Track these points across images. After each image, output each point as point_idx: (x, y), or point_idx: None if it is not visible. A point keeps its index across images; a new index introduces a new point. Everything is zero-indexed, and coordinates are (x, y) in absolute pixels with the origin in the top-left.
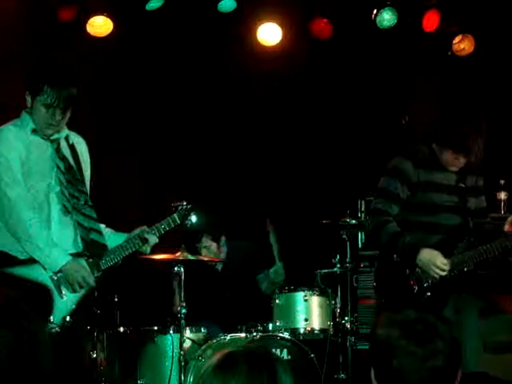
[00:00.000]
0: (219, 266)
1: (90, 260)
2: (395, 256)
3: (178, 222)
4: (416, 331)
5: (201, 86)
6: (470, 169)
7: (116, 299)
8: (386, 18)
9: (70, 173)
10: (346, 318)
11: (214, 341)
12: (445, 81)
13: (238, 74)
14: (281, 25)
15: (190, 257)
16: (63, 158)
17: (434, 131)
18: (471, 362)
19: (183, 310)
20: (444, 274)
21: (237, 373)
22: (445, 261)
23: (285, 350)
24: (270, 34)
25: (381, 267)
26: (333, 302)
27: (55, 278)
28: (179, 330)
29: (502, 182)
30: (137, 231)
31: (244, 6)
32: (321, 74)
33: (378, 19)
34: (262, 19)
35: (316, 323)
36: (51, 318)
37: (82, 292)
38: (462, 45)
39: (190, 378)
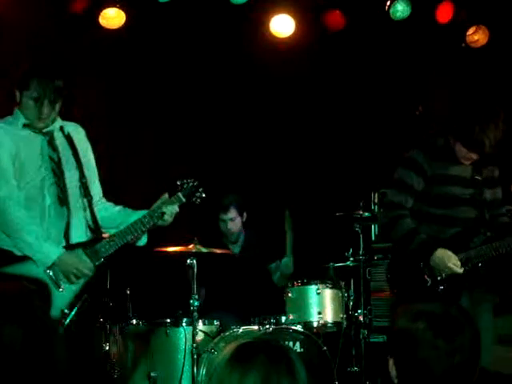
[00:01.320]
0: (236, 250)
1: (88, 250)
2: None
3: (184, 200)
4: (442, 326)
5: (214, 78)
6: (485, 160)
7: (128, 292)
8: (400, 9)
9: (68, 163)
10: (359, 311)
11: (227, 333)
12: (458, 72)
13: (251, 66)
14: (293, 16)
15: (203, 249)
16: (56, 150)
17: (449, 125)
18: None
19: (196, 303)
20: (456, 272)
21: (255, 363)
22: (458, 262)
23: (298, 343)
24: (282, 25)
25: (394, 260)
26: (346, 294)
27: (50, 272)
28: (192, 323)
29: None
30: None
31: None
32: (334, 66)
33: (391, 10)
34: (275, 11)
35: (329, 316)
36: (51, 312)
37: (81, 282)
38: (476, 36)
39: (203, 371)
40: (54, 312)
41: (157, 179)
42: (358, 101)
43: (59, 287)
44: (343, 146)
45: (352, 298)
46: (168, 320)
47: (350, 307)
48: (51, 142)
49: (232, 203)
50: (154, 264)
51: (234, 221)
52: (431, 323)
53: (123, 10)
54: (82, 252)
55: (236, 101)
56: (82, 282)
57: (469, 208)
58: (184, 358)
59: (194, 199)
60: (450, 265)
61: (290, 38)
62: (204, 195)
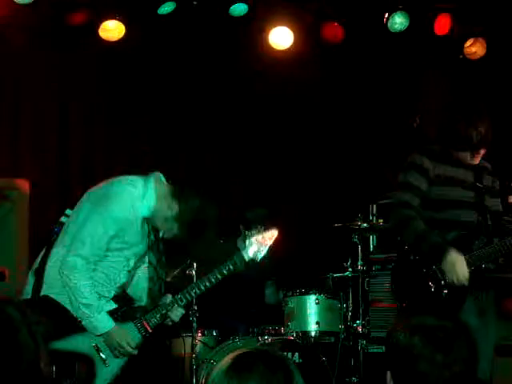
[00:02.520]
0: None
1: (138, 323)
2: (412, 256)
3: (242, 268)
4: (438, 339)
5: (213, 90)
6: (485, 169)
7: None
8: (398, 21)
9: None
10: (358, 322)
11: (226, 344)
12: (456, 84)
13: (250, 78)
14: (292, 28)
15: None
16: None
17: (444, 137)
18: (481, 368)
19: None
20: (461, 283)
21: (254, 372)
22: (467, 275)
23: (296, 354)
24: (281, 37)
25: (397, 268)
26: (344, 305)
27: (95, 345)
28: (191, 333)
29: None
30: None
31: (255, 10)
32: (332, 78)
33: (389, 23)
34: (274, 23)
35: (327, 326)
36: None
37: (125, 359)
38: (474, 48)
39: (202, 381)
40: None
41: None
42: (356, 112)
43: (104, 361)
44: (342, 157)
45: (350, 308)
46: (168, 330)
47: (349, 318)
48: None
49: (257, 222)
50: None
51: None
52: (428, 338)
53: (123, 22)
54: (133, 325)
55: (234, 112)
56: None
57: (470, 212)
58: (183, 368)
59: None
60: (460, 271)
61: (288, 50)
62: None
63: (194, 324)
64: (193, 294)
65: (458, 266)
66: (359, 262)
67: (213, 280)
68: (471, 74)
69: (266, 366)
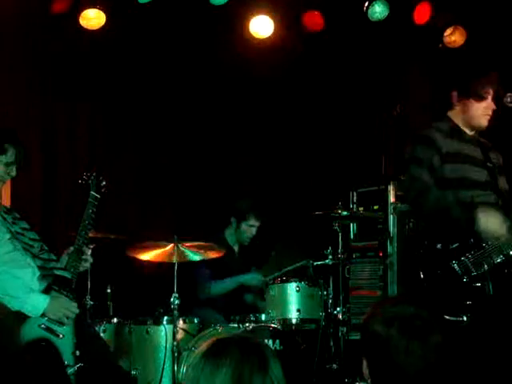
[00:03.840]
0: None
1: (62, 290)
2: (439, 245)
3: (98, 196)
4: (414, 328)
5: (193, 79)
6: (488, 145)
7: (109, 290)
8: (378, 10)
9: (17, 224)
10: (338, 309)
11: (207, 331)
12: (436, 73)
13: (231, 67)
14: (273, 17)
15: (187, 251)
16: (7, 211)
17: (463, 86)
18: None
19: (176, 301)
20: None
21: (228, 357)
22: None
23: (277, 341)
24: (262, 26)
25: (424, 257)
26: (325, 292)
27: (43, 326)
28: (172, 321)
29: None
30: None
31: None
32: (313, 66)
33: (369, 11)
34: (254, 12)
35: (308, 314)
36: (65, 362)
37: (71, 321)
38: (453, 37)
39: (183, 369)
40: (67, 359)
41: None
42: (336, 100)
43: (58, 335)
44: (322, 145)
45: (331, 295)
46: (148, 318)
47: (329, 305)
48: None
49: (251, 210)
50: (135, 262)
51: (253, 227)
52: (404, 328)
53: (103, 10)
54: (57, 293)
55: (215, 101)
56: (71, 321)
57: (485, 192)
58: (165, 356)
59: (103, 190)
60: (496, 226)
61: (269, 38)
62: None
63: (175, 312)
64: (83, 234)
65: (495, 217)
66: (339, 250)
67: (88, 226)
68: (451, 63)
69: (239, 352)
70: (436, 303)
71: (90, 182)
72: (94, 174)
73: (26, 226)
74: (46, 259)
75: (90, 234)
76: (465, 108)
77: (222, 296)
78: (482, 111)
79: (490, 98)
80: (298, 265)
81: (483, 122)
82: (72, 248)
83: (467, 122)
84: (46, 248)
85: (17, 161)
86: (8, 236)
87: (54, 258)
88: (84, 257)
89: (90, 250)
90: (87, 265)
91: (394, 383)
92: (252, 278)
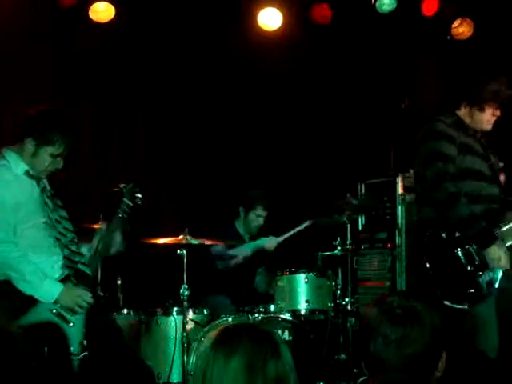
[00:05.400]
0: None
1: (80, 285)
2: (443, 234)
3: (131, 204)
4: (394, 315)
5: (202, 72)
6: (490, 146)
7: (119, 282)
8: (386, 2)
9: (57, 211)
10: (347, 300)
11: (217, 322)
12: (444, 65)
13: (239, 60)
14: (281, 10)
15: (193, 241)
16: (50, 197)
17: (468, 94)
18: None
19: (186, 292)
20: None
21: (240, 345)
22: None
23: (286, 331)
24: (270, 18)
25: (429, 246)
26: (333, 283)
27: (55, 311)
28: (182, 312)
29: (501, 164)
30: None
31: None
32: (321, 59)
33: (377, 4)
34: (263, 4)
35: (317, 304)
36: (71, 349)
37: (83, 311)
38: (461, 29)
39: (193, 359)
40: (74, 348)
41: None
42: (345, 93)
43: (68, 322)
44: (330, 137)
45: (339, 286)
46: (159, 309)
47: (338, 296)
48: (44, 190)
49: (258, 200)
50: (145, 254)
51: (261, 217)
52: (384, 313)
53: (112, 3)
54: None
55: (223, 92)
56: (84, 311)
57: (491, 185)
58: (174, 347)
59: (136, 201)
60: (502, 262)
61: (277, 31)
62: (140, 196)
63: (185, 303)
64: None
65: (502, 254)
66: (348, 241)
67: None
68: (459, 55)
69: (250, 339)
70: (440, 291)
71: (126, 191)
72: (131, 185)
73: (65, 215)
74: (74, 251)
75: (97, 226)
76: (470, 112)
77: (233, 283)
78: (486, 119)
79: (492, 108)
80: (303, 225)
81: (486, 127)
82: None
83: (472, 124)
84: (77, 241)
85: (65, 152)
86: (43, 220)
87: (82, 253)
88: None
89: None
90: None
91: (378, 371)
92: (266, 241)
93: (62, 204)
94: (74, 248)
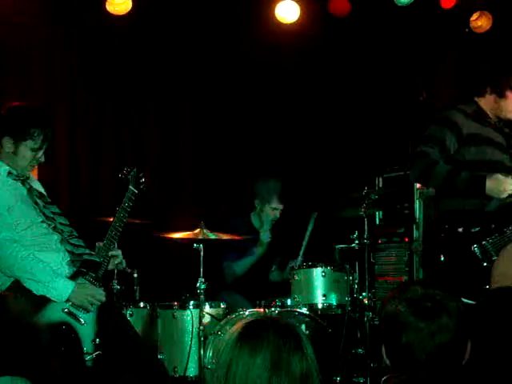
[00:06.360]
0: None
1: (88, 276)
2: (460, 229)
3: (136, 191)
4: (423, 308)
5: (220, 64)
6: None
7: (135, 275)
8: None
9: (49, 208)
10: (364, 294)
11: (233, 316)
12: (462, 58)
13: (257, 52)
14: (299, 2)
15: (210, 235)
16: (38, 196)
17: (491, 81)
18: None
19: (202, 286)
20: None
21: (266, 339)
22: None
23: (303, 325)
24: (288, 11)
25: (446, 241)
26: (350, 277)
27: (67, 310)
28: (198, 305)
29: None
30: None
31: None
32: (338, 52)
33: None
34: None
35: (334, 299)
36: (84, 349)
37: (95, 308)
38: (480, 22)
39: (210, 353)
40: (86, 347)
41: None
42: (363, 86)
43: (80, 321)
44: (348, 130)
45: (356, 281)
46: (175, 303)
47: (355, 290)
48: (31, 190)
49: (274, 193)
50: (161, 247)
51: (277, 209)
52: (413, 306)
53: None
54: (85, 280)
55: (240, 84)
56: (95, 308)
57: (508, 176)
58: (191, 341)
59: (141, 187)
60: (507, 188)
61: (295, 24)
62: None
63: (202, 296)
64: (116, 226)
65: (503, 180)
66: (365, 235)
67: (124, 219)
68: (477, 48)
69: (275, 333)
70: (456, 287)
71: (130, 177)
72: (135, 170)
73: (57, 210)
74: (76, 245)
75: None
76: (495, 100)
77: (249, 278)
78: (510, 108)
79: None
80: (310, 225)
81: (511, 116)
82: (102, 243)
83: (495, 112)
84: (76, 234)
85: (45, 145)
86: (40, 219)
87: (83, 244)
88: (115, 252)
89: (120, 251)
90: (116, 262)
91: (407, 364)
92: (263, 238)
93: (50, 200)
94: (74, 241)
